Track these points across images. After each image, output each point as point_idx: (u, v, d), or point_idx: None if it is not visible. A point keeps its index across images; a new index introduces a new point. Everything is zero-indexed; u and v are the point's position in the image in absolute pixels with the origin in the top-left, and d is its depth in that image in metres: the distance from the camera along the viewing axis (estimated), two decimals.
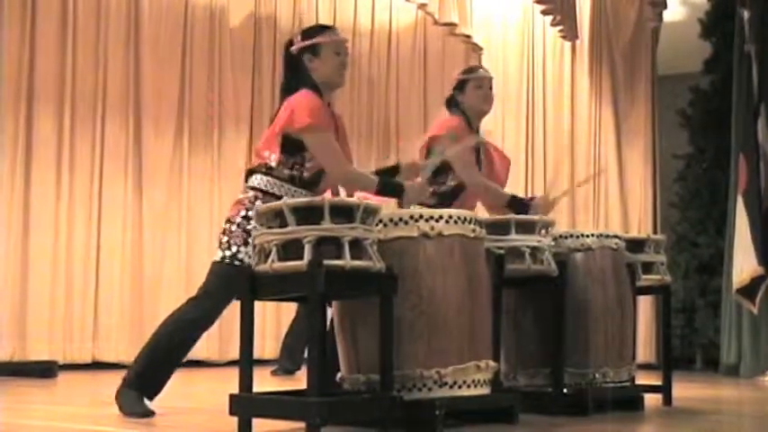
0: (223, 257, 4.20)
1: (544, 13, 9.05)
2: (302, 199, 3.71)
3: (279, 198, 4.11)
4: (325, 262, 3.40)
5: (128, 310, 7.98)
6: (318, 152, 4.21)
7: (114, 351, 7.85)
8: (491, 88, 5.18)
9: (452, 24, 9.24)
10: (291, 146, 4.22)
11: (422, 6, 9.17)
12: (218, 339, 8.56)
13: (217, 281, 4.22)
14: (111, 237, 8.00)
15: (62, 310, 7.66)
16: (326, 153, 4.22)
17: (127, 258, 8.07)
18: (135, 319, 7.96)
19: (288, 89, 4.35)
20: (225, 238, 4.22)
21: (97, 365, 7.71)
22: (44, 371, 6.89)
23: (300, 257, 3.43)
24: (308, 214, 3.47)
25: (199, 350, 8.41)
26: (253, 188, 4.24)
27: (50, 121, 7.76)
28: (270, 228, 3.57)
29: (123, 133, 8.17)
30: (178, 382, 4.47)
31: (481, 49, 9.77)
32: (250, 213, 4.14)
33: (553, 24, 9.12)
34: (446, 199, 4.93)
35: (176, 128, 8.47)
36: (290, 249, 3.48)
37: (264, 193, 4.21)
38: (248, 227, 4.15)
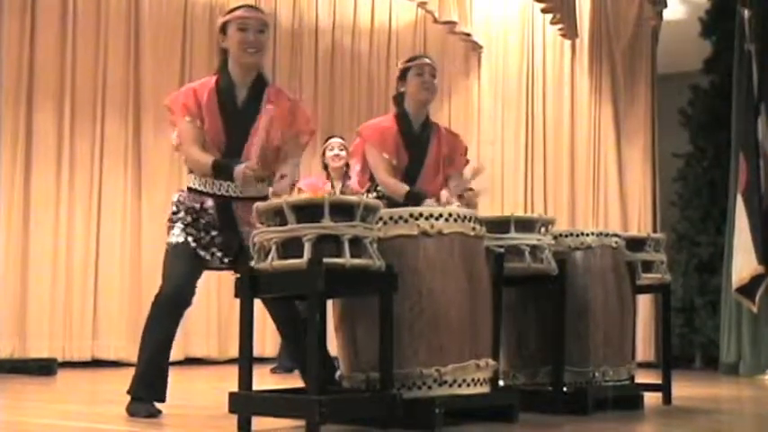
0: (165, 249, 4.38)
1: (544, 11, 9.04)
2: (302, 197, 3.71)
3: (199, 193, 4.30)
4: (325, 260, 3.39)
5: (127, 308, 7.98)
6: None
7: (113, 349, 7.85)
8: (433, 76, 4.88)
9: (452, 23, 9.25)
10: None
11: (422, 5, 9.18)
12: (218, 337, 8.57)
13: (163, 267, 4.36)
14: (111, 234, 8.01)
15: (62, 307, 7.66)
16: (178, 138, 4.34)
17: (126, 256, 8.07)
18: (134, 317, 7.94)
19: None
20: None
21: (96, 363, 7.72)
22: (43, 368, 6.89)
23: (300, 255, 3.42)
24: (307, 212, 3.47)
25: (198, 348, 8.47)
26: (182, 189, 4.43)
27: (50, 118, 7.77)
28: (270, 226, 3.56)
29: (123, 131, 8.17)
30: (178, 380, 4.47)
31: (481, 47, 9.78)
32: (174, 209, 4.34)
33: (553, 23, 9.12)
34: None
35: (171, 131, 8.46)
36: (290, 247, 3.47)
37: (189, 190, 4.35)
38: (173, 218, 4.35)
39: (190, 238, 4.27)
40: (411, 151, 4.82)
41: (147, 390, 4.21)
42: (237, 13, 4.32)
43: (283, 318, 4.35)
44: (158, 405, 4.21)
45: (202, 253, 4.27)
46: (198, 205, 4.29)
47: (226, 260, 4.30)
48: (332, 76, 9.71)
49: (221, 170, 4.21)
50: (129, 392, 4.23)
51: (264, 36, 4.32)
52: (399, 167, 4.79)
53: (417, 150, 4.84)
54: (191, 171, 4.37)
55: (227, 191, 4.28)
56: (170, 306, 4.26)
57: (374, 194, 4.76)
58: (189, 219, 4.29)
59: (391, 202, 4.64)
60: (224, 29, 4.32)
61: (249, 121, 4.28)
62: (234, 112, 4.30)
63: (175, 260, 4.28)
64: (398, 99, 4.91)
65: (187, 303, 4.30)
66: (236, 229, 4.26)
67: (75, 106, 7.91)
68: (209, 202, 4.28)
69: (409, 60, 4.98)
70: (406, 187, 4.71)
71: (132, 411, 4.18)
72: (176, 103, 4.34)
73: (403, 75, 4.90)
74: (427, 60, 4.94)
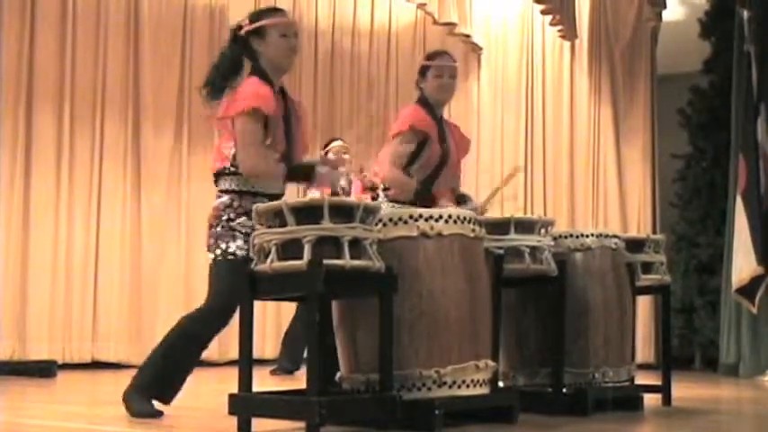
0: (215, 257, 4.18)
1: (544, 12, 9.05)
2: (302, 199, 3.71)
3: (254, 195, 4.17)
4: (325, 261, 3.40)
5: (126, 310, 7.98)
6: (238, 138, 4.17)
7: (113, 351, 7.85)
8: (452, 77, 4.93)
9: (452, 24, 9.25)
10: None
11: (421, 6, 9.18)
12: (218, 339, 8.51)
13: (218, 279, 4.17)
14: (111, 236, 8.00)
15: (61, 309, 7.66)
16: (241, 141, 4.15)
17: (126, 258, 8.07)
18: (134, 319, 7.96)
19: (233, 72, 4.34)
20: (212, 241, 4.20)
21: (96, 365, 7.71)
22: (43, 370, 6.89)
23: (300, 257, 3.43)
24: (307, 214, 3.47)
25: None
26: (225, 191, 4.24)
27: (50, 120, 7.76)
28: (269, 227, 3.57)
29: (123, 133, 8.17)
30: None
31: (480, 48, 9.78)
32: (231, 215, 4.16)
33: (552, 24, 9.12)
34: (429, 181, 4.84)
35: (176, 127, 8.47)
36: (290, 249, 3.48)
37: (239, 193, 4.20)
38: (233, 224, 4.16)
39: (251, 251, 4.04)
40: (443, 150, 4.84)
41: (162, 392, 4.23)
42: (280, 19, 4.34)
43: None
44: (159, 405, 4.22)
45: None
46: (251, 207, 4.21)
47: None
48: (331, 78, 9.71)
49: (301, 171, 4.23)
50: (137, 387, 4.21)
51: (298, 42, 4.41)
52: (433, 158, 4.78)
53: (445, 147, 4.86)
54: (232, 174, 4.22)
55: (275, 189, 4.22)
56: (221, 323, 4.22)
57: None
58: (250, 224, 4.06)
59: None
60: (260, 32, 4.29)
61: (293, 137, 4.29)
62: (286, 115, 4.29)
63: (237, 275, 3.96)
64: (419, 90, 4.95)
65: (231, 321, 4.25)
66: None
67: (75, 108, 7.90)
68: (265, 202, 4.20)
69: (431, 58, 5.01)
70: (414, 182, 4.72)
71: (135, 412, 4.17)
72: (264, 102, 4.16)
73: (423, 72, 4.93)
74: (448, 62, 4.99)
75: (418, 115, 4.80)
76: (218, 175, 4.29)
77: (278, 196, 4.13)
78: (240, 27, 4.37)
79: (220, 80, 4.35)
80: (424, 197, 4.66)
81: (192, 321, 4.24)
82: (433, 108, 4.88)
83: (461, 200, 4.85)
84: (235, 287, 4.03)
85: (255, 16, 4.38)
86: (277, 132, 4.19)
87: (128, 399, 4.22)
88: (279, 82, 4.34)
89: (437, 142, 4.77)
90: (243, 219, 4.15)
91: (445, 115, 7.68)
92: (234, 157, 4.21)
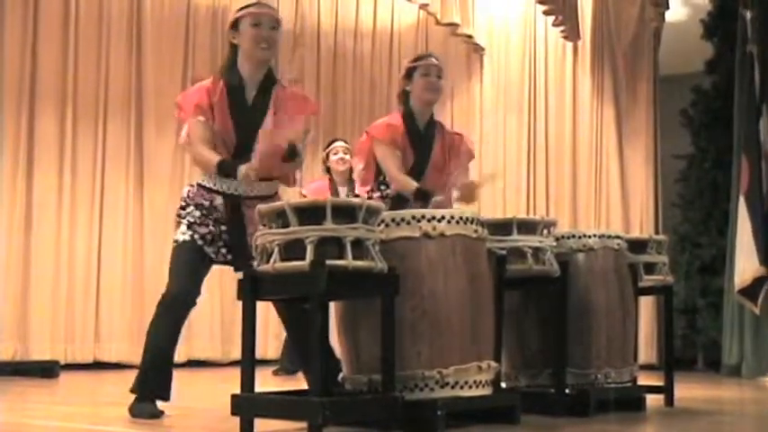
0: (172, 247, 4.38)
1: (546, 13, 9.05)
2: (304, 199, 3.71)
3: (209, 190, 4.33)
4: (328, 262, 3.39)
5: (129, 311, 7.98)
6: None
7: (115, 351, 7.85)
8: (439, 77, 4.89)
9: (454, 25, 9.25)
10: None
11: (424, 7, 9.18)
12: (220, 340, 8.57)
13: (169, 266, 4.36)
14: (113, 237, 8.01)
15: (64, 310, 7.67)
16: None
17: (128, 259, 8.07)
18: (136, 320, 7.95)
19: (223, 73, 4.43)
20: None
21: (98, 365, 7.72)
22: (46, 371, 6.90)
23: (302, 257, 3.43)
24: (310, 214, 3.47)
25: (201, 350, 8.46)
26: (192, 184, 4.45)
27: (52, 121, 7.77)
28: (272, 228, 3.57)
29: (125, 134, 8.17)
30: (180, 382, 4.47)
31: (483, 49, 9.78)
32: (182, 203, 4.37)
33: (555, 25, 9.12)
34: (399, 204, 4.83)
35: (178, 128, 8.46)
36: (292, 249, 3.48)
37: (198, 186, 4.38)
38: (181, 212, 4.36)
39: (196, 236, 4.28)
40: (416, 150, 4.83)
41: (151, 389, 4.23)
42: (251, 9, 4.35)
43: (292, 319, 4.36)
44: (162, 405, 4.22)
45: (209, 249, 4.29)
46: (207, 202, 4.33)
47: (230, 256, 4.32)
48: (334, 78, 9.71)
49: (226, 169, 4.23)
50: (132, 391, 4.25)
51: (277, 33, 4.37)
52: (405, 166, 4.79)
53: (422, 149, 4.84)
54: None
55: (236, 190, 4.30)
56: (175, 306, 4.29)
57: (378, 194, 4.76)
58: (197, 214, 4.31)
59: (395, 202, 4.66)
60: (235, 25, 4.35)
61: (258, 120, 4.31)
62: (244, 110, 4.31)
63: (181, 259, 4.31)
64: (404, 97, 4.91)
65: (192, 303, 4.34)
66: (245, 228, 4.27)
67: (77, 109, 7.91)
68: (219, 200, 4.32)
69: (416, 60, 4.97)
70: (415, 184, 4.71)
71: (135, 412, 4.19)
72: (188, 101, 4.37)
73: (409, 74, 4.90)
74: (434, 61, 4.95)
75: (380, 129, 4.82)
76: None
77: (233, 197, 4.29)
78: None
79: None
80: (425, 195, 4.67)
81: (157, 310, 4.33)
82: (415, 117, 4.86)
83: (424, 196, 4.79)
84: (180, 271, 4.28)
85: (235, 21, 4.41)
86: (216, 125, 4.29)
87: (137, 407, 4.23)
88: (257, 74, 4.35)
89: (407, 152, 4.78)
90: (191, 209, 4.33)
91: (447, 116, 7.76)
92: None
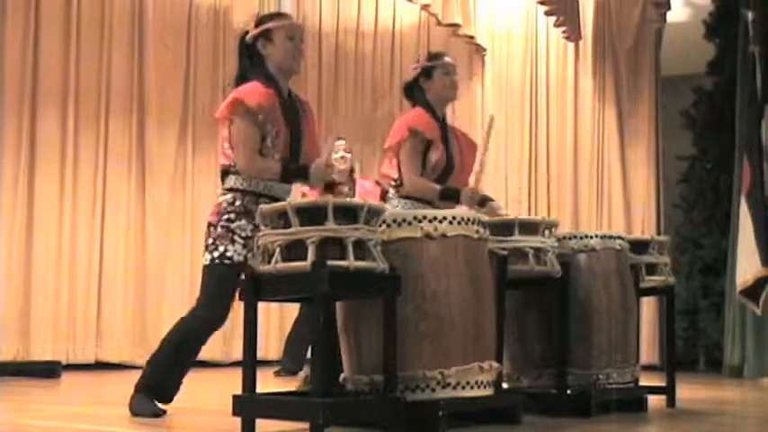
0: (212, 259, 4.19)
1: (547, 13, 9.05)
2: (306, 200, 3.71)
3: (257, 195, 4.20)
4: (329, 263, 3.39)
5: (131, 311, 7.99)
6: (233, 141, 4.22)
7: (117, 351, 7.86)
8: (457, 75, 4.99)
9: (456, 25, 9.25)
10: None
11: (425, 7, 9.18)
12: (222, 340, 8.56)
13: (211, 284, 4.21)
14: (115, 237, 8.01)
15: (65, 310, 7.67)
16: (235, 140, 4.21)
17: (130, 258, 8.08)
18: (138, 320, 7.97)
19: (242, 79, 4.34)
20: (210, 241, 4.22)
21: (100, 366, 7.72)
22: (47, 371, 6.90)
23: (304, 258, 3.43)
24: (311, 215, 3.47)
25: (202, 351, 8.42)
26: (230, 189, 4.25)
27: (54, 120, 7.77)
28: (274, 228, 3.57)
29: (127, 133, 8.18)
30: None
31: (484, 49, 9.78)
32: (231, 215, 4.18)
33: (556, 25, 9.12)
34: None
35: (180, 127, 8.48)
36: (294, 250, 3.48)
37: (243, 192, 4.22)
38: (232, 226, 4.18)
39: (249, 255, 4.14)
40: (446, 147, 4.84)
41: (162, 391, 4.27)
42: (285, 22, 4.38)
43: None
44: (162, 405, 4.23)
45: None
46: (257, 207, 4.24)
47: None
48: (335, 79, 9.72)
49: (294, 173, 4.23)
50: (138, 389, 4.25)
51: (303, 46, 4.47)
52: (438, 163, 4.77)
53: (447, 146, 4.86)
54: (237, 172, 4.24)
55: (285, 194, 4.24)
56: (213, 329, 4.29)
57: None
58: (251, 227, 4.14)
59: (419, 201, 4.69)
60: (266, 35, 4.33)
61: (301, 127, 4.34)
62: (293, 116, 4.32)
63: (230, 282, 4.09)
64: (420, 94, 4.91)
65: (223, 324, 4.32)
66: None
67: (79, 109, 7.91)
68: (267, 204, 4.22)
69: (434, 58, 5.00)
70: (437, 186, 4.73)
71: (137, 410, 4.20)
72: (251, 98, 4.19)
73: (428, 72, 4.92)
74: (451, 60, 5.02)
75: (418, 119, 4.80)
76: (224, 173, 4.31)
77: (278, 199, 4.14)
78: (246, 33, 4.40)
79: None
80: (452, 194, 4.69)
81: (186, 324, 4.28)
82: (435, 111, 4.89)
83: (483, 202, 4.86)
84: (228, 294, 4.14)
85: (261, 20, 4.42)
86: (274, 130, 4.21)
87: (131, 399, 4.25)
88: (286, 85, 4.38)
89: (441, 145, 4.77)
90: (243, 222, 4.18)
91: (449, 116, 7.68)
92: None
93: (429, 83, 4.90)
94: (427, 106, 4.87)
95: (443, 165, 4.77)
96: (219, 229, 4.19)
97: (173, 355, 4.26)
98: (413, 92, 4.95)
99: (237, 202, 4.20)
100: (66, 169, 7.79)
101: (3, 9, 7.53)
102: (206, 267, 4.22)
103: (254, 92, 4.20)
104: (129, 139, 8.19)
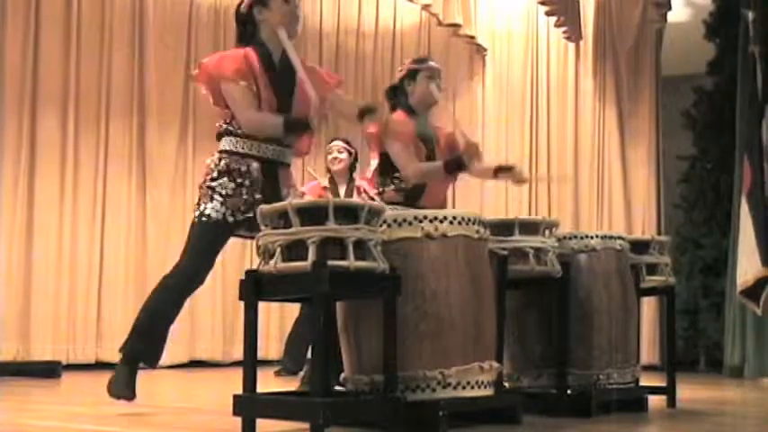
0: (194, 218, 4.34)
1: (548, 14, 9.05)
2: (307, 200, 3.72)
3: (243, 156, 4.30)
4: (330, 263, 3.39)
5: (131, 311, 7.94)
6: (228, 103, 4.31)
7: (118, 352, 7.85)
8: (441, 80, 5.01)
9: (456, 25, 9.25)
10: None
11: (426, 7, 9.18)
12: (222, 340, 8.57)
13: (191, 240, 4.34)
14: (115, 237, 8.02)
15: (66, 310, 7.67)
16: (232, 106, 4.30)
17: (131, 259, 8.08)
18: None
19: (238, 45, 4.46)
20: (196, 200, 4.38)
21: (100, 366, 7.71)
22: (48, 371, 6.90)
23: (304, 258, 3.42)
24: (312, 215, 3.47)
25: (203, 351, 8.47)
26: (220, 152, 4.38)
27: (54, 121, 7.78)
28: (274, 228, 3.57)
29: (127, 134, 8.18)
30: (182, 382, 4.48)
31: (485, 49, 9.78)
32: (214, 174, 4.32)
33: (557, 25, 9.12)
34: (414, 194, 4.86)
35: (181, 129, 8.48)
36: (294, 250, 3.47)
37: (230, 153, 4.34)
38: (213, 184, 4.30)
39: (228, 212, 4.27)
40: (427, 148, 4.85)
41: (143, 352, 4.35)
42: None
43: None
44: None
45: (239, 220, 4.27)
46: (244, 167, 4.30)
47: (254, 232, 4.31)
48: None
49: (295, 125, 4.27)
50: (121, 350, 4.35)
51: (300, 11, 4.53)
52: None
53: (431, 152, 4.87)
54: (228, 134, 4.36)
55: (273, 155, 4.33)
56: (190, 286, 4.38)
57: (392, 187, 4.77)
58: (232, 185, 4.28)
59: (409, 197, 4.70)
60: (263, 1, 4.40)
61: (290, 84, 4.37)
62: (277, 74, 4.37)
63: (207, 238, 4.31)
64: (401, 96, 4.93)
65: (203, 281, 4.40)
66: (280, 192, 4.32)
67: (79, 110, 7.92)
68: (255, 165, 4.30)
69: (418, 62, 5.05)
70: (438, 162, 4.79)
71: (112, 389, 4.30)
72: (225, 65, 4.32)
73: (412, 74, 4.96)
74: (436, 64, 5.05)
75: (395, 119, 4.82)
76: (219, 137, 4.44)
77: (271, 161, 4.30)
78: (242, 2, 4.49)
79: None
80: (414, 205, 4.68)
81: (167, 281, 4.39)
82: (417, 115, 4.89)
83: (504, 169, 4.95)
84: (204, 251, 4.28)
85: None
86: (261, 92, 4.29)
87: (116, 373, 4.34)
88: (280, 46, 4.41)
89: (419, 149, 4.79)
90: (224, 179, 4.29)
91: (449, 117, 7.70)
92: (225, 120, 4.39)
93: (413, 86, 4.95)
94: (409, 110, 4.89)
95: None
96: (204, 188, 4.34)
97: (151, 313, 4.35)
98: (396, 95, 4.98)
99: (222, 162, 4.33)
100: (66, 170, 7.79)
101: (3, 10, 7.53)
102: (190, 226, 4.37)
103: (226, 59, 4.34)
104: (130, 141, 8.19)
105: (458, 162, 4.77)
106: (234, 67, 4.29)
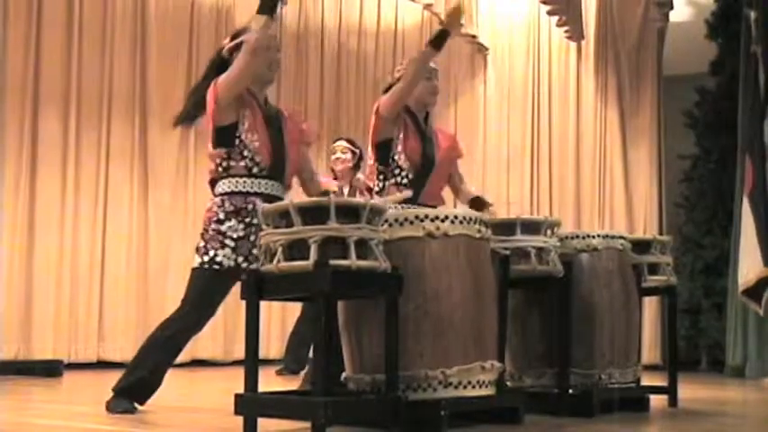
0: (201, 263, 4.25)
1: (550, 13, 9.04)
2: (308, 199, 3.72)
3: (246, 194, 4.27)
4: (331, 262, 3.39)
5: (133, 310, 7.99)
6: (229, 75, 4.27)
7: (119, 350, 7.86)
8: (437, 80, 4.95)
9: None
10: (224, 135, 4.34)
11: (427, 6, 9.18)
12: (223, 339, 8.57)
13: (197, 287, 4.28)
14: (117, 236, 8.01)
15: (67, 309, 7.67)
16: (225, 78, 4.28)
17: (132, 258, 8.08)
18: (140, 319, 7.97)
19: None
20: (201, 244, 4.28)
21: (102, 365, 7.72)
22: (49, 370, 6.90)
23: (306, 257, 3.42)
24: (314, 214, 3.47)
25: (204, 350, 8.47)
26: (219, 194, 4.34)
27: (56, 120, 7.77)
28: (276, 228, 3.56)
29: (129, 133, 8.18)
30: (184, 381, 4.48)
31: (487, 49, 9.78)
32: (221, 216, 4.25)
33: (559, 25, 9.12)
34: (417, 183, 4.80)
35: (182, 128, 8.46)
36: (296, 249, 3.48)
37: (231, 194, 4.29)
38: (222, 228, 4.24)
39: (240, 258, 4.21)
40: (423, 147, 4.81)
41: (139, 393, 4.34)
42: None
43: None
44: (155, 404, 4.27)
45: (251, 267, 4.16)
46: (250, 206, 4.26)
47: None
48: (338, 78, 9.72)
49: (269, 4, 4.21)
50: (115, 390, 4.34)
51: (279, 56, 4.52)
52: (413, 164, 4.74)
53: (427, 147, 4.83)
54: (226, 176, 4.33)
55: (274, 190, 4.31)
56: (191, 332, 4.35)
57: (392, 181, 4.74)
58: (241, 226, 4.23)
59: (416, 178, 4.70)
60: (240, 48, 4.34)
61: (281, 138, 4.39)
62: (273, 121, 4.39)
63: (217, 286, 4.25)
64: None
65: (203, 327, 4.39)
66: None
67: (81, 109, 7.91)
68: (259, 202, 4.25)
69: None
70: (421, 50, 4.83)
71: (112, 407, 4.29)
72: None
73: None
74: (434, 65, 4.98)
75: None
76: (213, 183, 4.41)
77: (272, 197, 4.25)
78: (222, 48, 4.49)
79: (193, 109, 4.56)
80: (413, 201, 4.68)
81: (168, 326, 4.34)
82: (414, 114, 4.87)
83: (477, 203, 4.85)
84: (211, 300, 4.24)
85: (237, 34, 4.47)
86: (257, 127, 4.30)
87: (111, 398, 4.33)
88: (262, 95, 4.44)
89: (417, 138, 4.76)
90: (233, 222, 4.24)
91: (451, 116, 7.77)
92: (220, 164, 4.35)
93: None
94: (405, 108, 4.86)
95: (419, 160, 4.73)
96: (210, 232, 4.26)
97: (151, 358, 4.33)
98: None
99: (225, 204, 4.28)
100: (68, 170, 7.79)
101: (5, 10, 7.53)
102: (194, 270, 4.30)
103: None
104: (131, 140, 8.19)
105: (441, 34, 4.67)
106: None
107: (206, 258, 4.24)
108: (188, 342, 4.41)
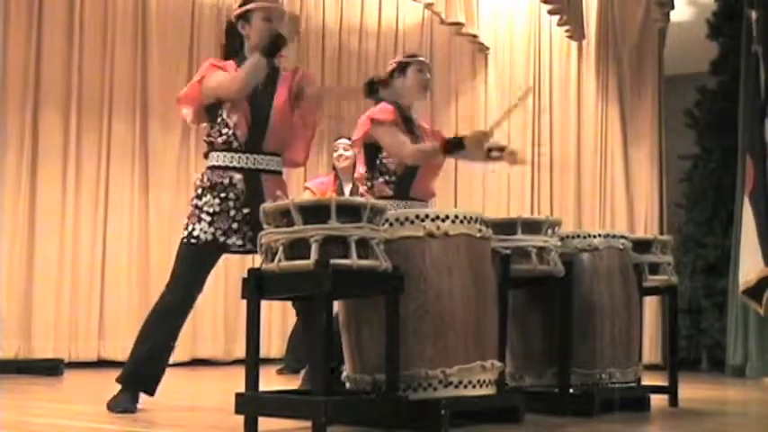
0: (182, 238, 4.33)
1: (551, 12, 9.03)
2: (309, 198, 3.72)
3: (225, 169, 4.31)
4: (332, 261, 3.39)
5: (134, 309, 7.98)
6: (214, 87, 4.34)
7: (120, 349, 7.84)
8: (430, 74, 5.01)
9: (459, 24, 9.24)
10: (209, 112, 4.42)
11: (428, 6, 9.17)
12: (224, 338, 8.57)
13: (178, 261, 4.34)
14: (118, 235, 8.01)
15: (68, 308, 7.67)
16: (215, 85, 4.33)
17: (133, 257, 8.08)
18: (141, 318, 7.85)
19: (225, 59, 4.50)
20: (185, 221, 4.36)
21: (103, 364, 7.72)
22: (50, 369, 6.90)
23: (307, 256, 3.43)
24: (314, 213, 3.47)
25: (204, 349, 8.47)
26: (206, 168, 4.40)
27: (57, 119, 7.77)
28: (277, 227, 3.57)
29: (130, 133, 8.18)
30: (184, 381, 4.48)
31: (487, 48, 9.78)
32: (199, 191, 4.32)
33: (560, 24, 9.11)
34: (405, 180, 4.83)
35: (183, 127, 8.47)
36: (297, 248, 3.48)
37: (212, 168, 4.35)
38: (199, 203, 4.29)
39: (219, 232, 4.26)
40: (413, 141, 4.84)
41: (142, 381, 4.34)
42: (264, 3, 4.41)
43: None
44: (155, 403, 4.26)
45: (231, 241, 4.25)
46: (226, 180, 4.29)
47: (248, 245, 4.29)
48: (339, 78, 9.71)
49: (273, 46, 4.24)
50: (119, 381, 4.34)
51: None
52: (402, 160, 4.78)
53: (416, 143, 4.85)
54: (211, 149, 4.39)
55: (254, 164, 4.31)
56: (181, 308, 4.35)
57: (381, 180, 4.75)
58: (217, 201, 4.27)
59: (399, 189, 4.70)
60: (245, 16, 4.40)
61: (268, 105, 4.37)
62: (256, 95, 4.36)
63: (197, 261, 4.30)
64: (387, 89, 4.89)
65: (195, 302, 4.38)
66: (264, 202, 4.30)
67: (82, 108, 7.91)
68: (237, 176, 4.29)
69: (411, 56, 5.05)
70: (436, 144, 4.75)
71: (113, 405, 4.29)
72: (207, 69, 4.42)
73: (403, 68, 4.94)
74: (426, 60, 5.04)
75: (382, 110, 4.81)
76: (206, 156, 4.49)
77: (251, 170, 4.28)
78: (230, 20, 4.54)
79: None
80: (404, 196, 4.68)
81: (157, 302, 4.40)
82: (403, 109, 4.87)
83: None
84: (192, 274, 4.28)
85: (244, 2, 4.47)
86: (239, 102, 4.30)
87: (117, 395, 4.34)
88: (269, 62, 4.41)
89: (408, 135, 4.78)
90: (208, 197, 4.29)
91: (452, 115, 7.77)
92: (206, 140, 4.43)
93: (403, 79, 4.92)
94: (394, 103, 4.87)
95: (402, 167, 4.76)
96: (190, 207, 4.35)
97: (145, 342, 4.37)
98: (381, 90, 4.91)
99: (205, 178, 4.35)
100: (68, 168, 7.79)
101: (5, 9, 7.53)
102: (179, 247, 4.37)
103: (207, 68, 4.41)
104: (132, 140, 8.19)
105: (459, 142, 4.72)
106: (211, 64, 4.40)
107: (185, 233, 4.31)
108: (181, 322, 4.38)
